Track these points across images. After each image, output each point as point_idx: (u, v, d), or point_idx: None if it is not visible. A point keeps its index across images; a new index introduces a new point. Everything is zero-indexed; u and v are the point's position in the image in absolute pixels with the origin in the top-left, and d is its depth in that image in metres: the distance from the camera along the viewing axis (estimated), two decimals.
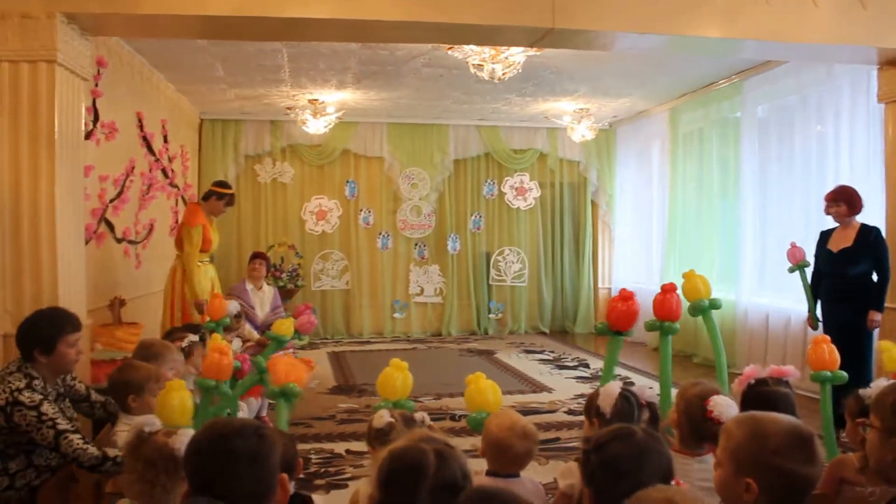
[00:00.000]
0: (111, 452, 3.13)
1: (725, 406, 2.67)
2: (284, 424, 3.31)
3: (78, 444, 3.12)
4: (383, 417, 2.69)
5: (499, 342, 10.42)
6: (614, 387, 2.55)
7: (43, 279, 4.20)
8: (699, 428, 2.68)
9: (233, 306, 5.85)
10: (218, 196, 6.48)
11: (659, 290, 3.95)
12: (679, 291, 3.93)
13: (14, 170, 4.19)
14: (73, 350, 3.41)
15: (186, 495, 1.73)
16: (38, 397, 3.19)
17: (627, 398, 2.64)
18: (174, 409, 2.77)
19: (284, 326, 4.66)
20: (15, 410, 3.15)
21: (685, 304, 3.99)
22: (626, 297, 3.78)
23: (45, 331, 3.36)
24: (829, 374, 3.37)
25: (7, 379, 3.23)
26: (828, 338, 3.53)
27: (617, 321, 3.76)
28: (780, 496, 1.82)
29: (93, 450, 3.11)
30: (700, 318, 4.09)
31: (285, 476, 1.84)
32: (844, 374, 3.43)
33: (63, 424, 3.16)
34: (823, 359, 3.39)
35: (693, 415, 2.70)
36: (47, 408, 3.17)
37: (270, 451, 1.77)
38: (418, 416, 2.49)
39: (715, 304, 4.03)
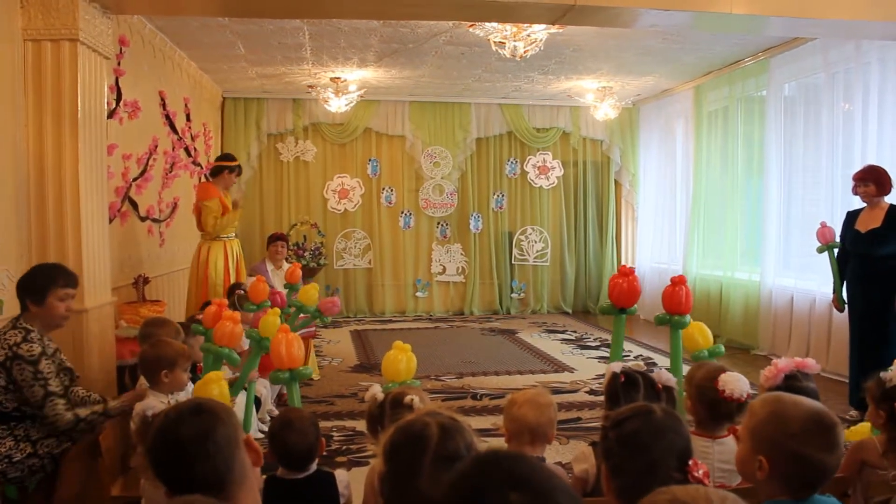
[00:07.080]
0: (82, 413, 3.30)
1: (735, 381, 2.65)
2: (298, 402, 3.37)
3: (60, 409, 3.26)
4: (376, 396, 2.69)
5: (521, 322, 10.42)
6: (614, 366, 2.54)
7: (68, 258, 4.22)
8: (716, 409, 2.66)
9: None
10: (229, 170, 6.56)
11: (679, 272, 3.89)
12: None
13: (38, 148, 4.22)
14: (62, 304, 3.45)
15: (169, 495, 1.70)
16: (36, 349, 3.27)
17: (632, 380, 2.60)
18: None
19: (309, 295, 4.73)
20: (14, 365, 3.23)
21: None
22: (626, 272, 3.72)
23: (38, 281, 3.44)
24: None
25: (3, 337, 3.28)
26: None
27: (619, 298, 3.72)
28: (792, 479, 1.81)
29: (69, 416, 3.27)
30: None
31: (250, 436, 1.82)
32: None
33: (53, 386, 3.27)
34: None
35: (706, 397, 2.68)
36: (44, 365, 3.27)
37: (216, 422, 1.71)
38: (407, 399, 2.48)
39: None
